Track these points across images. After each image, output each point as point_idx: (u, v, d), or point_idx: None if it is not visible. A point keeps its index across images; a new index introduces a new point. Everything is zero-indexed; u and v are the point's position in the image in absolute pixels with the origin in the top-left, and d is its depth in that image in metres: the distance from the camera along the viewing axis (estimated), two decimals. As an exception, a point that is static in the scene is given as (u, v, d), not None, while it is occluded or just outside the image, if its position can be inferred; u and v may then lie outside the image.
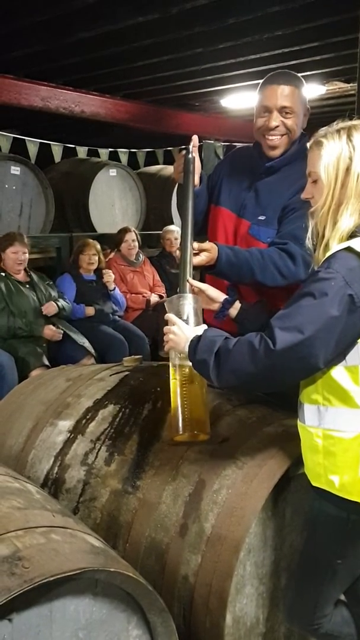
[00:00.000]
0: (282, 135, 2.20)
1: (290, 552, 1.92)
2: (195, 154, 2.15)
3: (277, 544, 1.88)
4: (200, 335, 1.61)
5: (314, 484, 1.57)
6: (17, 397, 2.39)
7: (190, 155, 2.12)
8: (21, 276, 4.52)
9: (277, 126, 2.18)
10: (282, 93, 2.15)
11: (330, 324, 1.42)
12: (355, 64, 5.31)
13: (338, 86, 6.34)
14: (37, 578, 1.14)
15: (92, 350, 4.57)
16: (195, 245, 2.01)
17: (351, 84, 6.23)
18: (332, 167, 1.51)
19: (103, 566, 1.26)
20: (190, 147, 2.14)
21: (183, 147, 2.18)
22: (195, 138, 2.18)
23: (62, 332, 4.52)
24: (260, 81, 2.25)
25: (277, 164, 2.24)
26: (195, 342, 1.60)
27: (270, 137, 2.20)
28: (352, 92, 6.44)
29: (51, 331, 4.45)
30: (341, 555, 1.60)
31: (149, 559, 1.80)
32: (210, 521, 1.73)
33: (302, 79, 2.24)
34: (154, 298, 5.65)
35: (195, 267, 1.97)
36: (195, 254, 2.00)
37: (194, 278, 1.93)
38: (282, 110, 2.16)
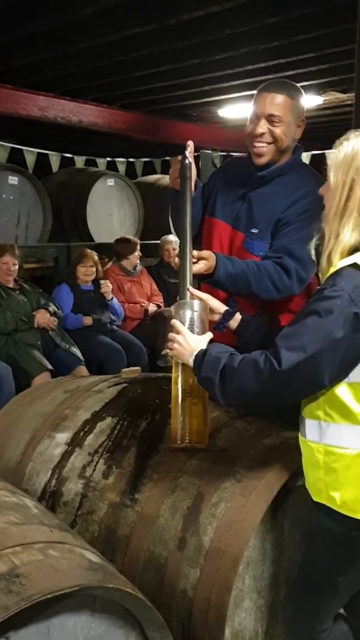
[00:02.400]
0: (268, 143, 2.18)
1: (289, 564, 1.90)
2: (192, 160, 2.13)
3: (276, 556, 1.86)
4: (205, 351, 1.60)
5: (315, 499, 1.56)
6: (15, 409, 2.38)
7: (186, 161, 2.10)
8: (11, 284, 4.57)
9: (264, 133, 2.16)
10: (272, 101, 2.13)
11: (335, 342, 1.41)
12: (351, 75, 5.37)
13: (335, 96, 6.38)
14: (35, 595, 1.13)
15: (82, 357, 4.58)
16: (195, 253, 2.00)
17: (347, 95, 6.27)
18: (341, 173, 1.50)
19: (101, 582, 1.25)
20: (187, 153, 2.11)
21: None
22: (191, 143, 2.15)
23: (56, 320, 4.55)
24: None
25: (270, 174, 2.22)
26: (200, 357, 1.60)
27: (257, 145, 2.18)
28: (349, 102, 6.49)
29: (45, 318, 4.46)
30: (342, 571, 1.58)
31: (147, 573, 1.78)
32: (209, 535, 1.72)
33: (300, 89, 2.22)
34: (152, 308, 5.65)
35: (193, 276, 1.96)
36: (194, 263, 1.99)
37: (193, 287, 1.92)
38: (270, 118, 2.14)
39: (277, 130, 2.15)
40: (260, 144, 2.18)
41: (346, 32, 4.20)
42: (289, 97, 2.15)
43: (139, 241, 5.85)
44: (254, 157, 2.22)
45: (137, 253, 5.73)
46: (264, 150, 2.19)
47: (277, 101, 2.13)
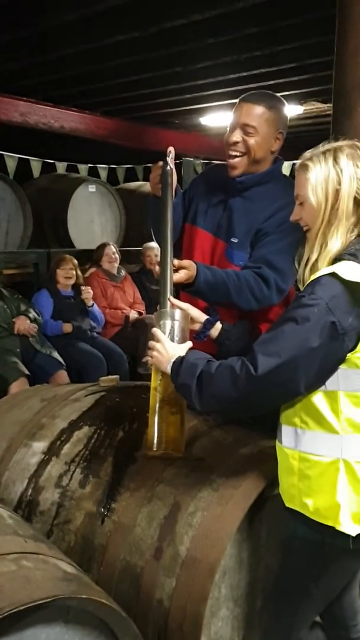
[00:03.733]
0: (241, 153, 2.17)
1: (266, 573, 1.91)
2: (172, 166, 2.11)
3: (253, 565, 1.87)
4: (183, 357, 1.61)
5: (288, 505, 1.57)
6: (-9, 417, 2.36)
7: (167, 168, 2.09)
8: None
9: (237, 142, 2.15)
10: (249, 111, 2.13)
11: (311, 351, 1.43)
12: (331, 85, 5.44)
13: (315, 106, 6.45)
14: (7, 607, 1.11)
15: (62, 360, 4.56)
16: (175, 262, 2.00)
17: (328, 105, 6.34)
18: (320, 190, 1.52)
19: (75, 593, 1.24)
20: (168, 159, 2.10)
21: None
22: (172, 149, 2.14)
23: (36, 326, 4.52)
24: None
25: (248, 181, 2.22)
26: (178, 364, 1.60)
27: (230, 153, 2.18)
28: (329, 112, 6.55)
29: (25, 324, 4.43)
30: (316, 579, 1.59)
31: (123, 583, 1.77)
32: (185, 544, 1.72)
33: (281, 102, 2.21)
34: (133, 315, 5.64)
35: (173, 285, 1.95)
36: (174, 271, 1.99)
37: (173, 296, 1.92)
38: (245, 128, 2.13)
39: (251, 141, 2.15)
40: (233, 153, 2.18)
41: (326, 43, 4.22)
42: (267, 108, 2.15)
43: (111, 244, 5.84)
44: (228, 169, 2.23)
45: (115, 255, 5.72)
46: (236, 161, 2.19)
47: (253, 111, 2.13)
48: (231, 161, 2.19)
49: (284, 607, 1.69)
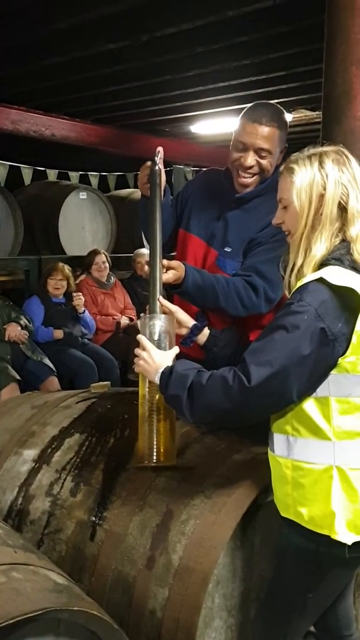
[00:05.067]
0: (254, 174, 2.17)
1: (260, 582, 1.89)
2: (161, 166, 2.10)
3: (246, 574, 1.85)
4: (172, 368, 1.58)
5: (283, 514, 1.55)
6: (-19, 425, 2.33)
7: (156, 168, 2.07)
8: None
9: (252, 166, 2.15)
10: (262, 134, 2.10)
11: (302, 358, 1.41)
12: (320, 93, 5.48)
13: (304, 114, 6.49)
14: (-3, 620, 1.09)
15: (53, 367, 4.55)
16: (165, 262, 1.98)
17: (317, 112, 6.39)
18: (304, 194, 1.51)
19: (66, 605, 1.21)
20: (156, 159, 2.08)
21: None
22: (160, 149, 2.12)
23: (27, 333, 4.49)
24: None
25: (248, 196, 2.22)
26: (167, 375, 1.57)
27: (243, 175, 2.17)
28: (318, 119, 6.61)
29: (16, 331, 4.41)
30: (311, 588, 1.57)
31: (115, 593, 1.75)
32: (178, 553, 1.69)
33: (285, 114, 2.20)
34: (124, 321, 5.62)
35: (163, 285, 1.93)
36: (163, 272, 1.97)
37: (163, 297, 1.90)
38: (260, 152, 2.12)
39: (265, 162, 2.15)
40: (247, 176, 2.17)
41: (315, 51, 4.26)
42: (278, 129, 2.13)
43: (102, 252, 5.83)
44: (237, 186, 2.22)
45: (105, 264, 5.71)
46: (249, 181, 2.19)
47: (268, 135, 2.10)
48: (244, 181, 2.19)
49: (278, 617, 1.67)
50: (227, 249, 2.23)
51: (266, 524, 1.85)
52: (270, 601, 1.72)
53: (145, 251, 6.29)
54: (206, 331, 1.97)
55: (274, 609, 1.68)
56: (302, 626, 1.70)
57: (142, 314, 1.90)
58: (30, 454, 2.07)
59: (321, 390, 1.47)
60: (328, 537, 1.46)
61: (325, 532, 1.46)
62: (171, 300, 1.99)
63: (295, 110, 6.32)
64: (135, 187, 8.06)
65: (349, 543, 1.46)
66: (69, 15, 3.88)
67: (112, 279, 5.82)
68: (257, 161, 2.15)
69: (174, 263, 2.04)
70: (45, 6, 3.83)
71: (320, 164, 1.51)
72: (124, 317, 5.67)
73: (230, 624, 1.83)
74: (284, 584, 1.64)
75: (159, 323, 1.77)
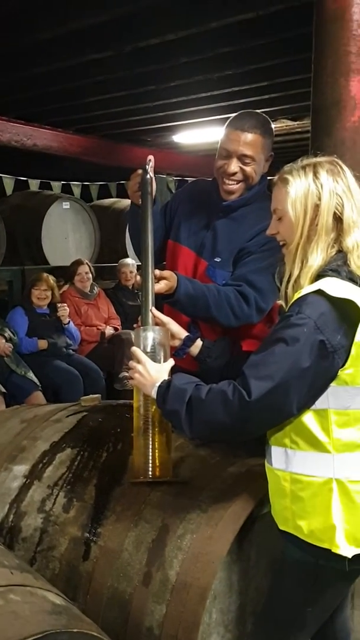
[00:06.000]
0: (239, 181, 2.18)
1: (256, 595, 1.87)
2: (152, 175, 2.09)
3: (243, 588, 1.83)
4: (169, 382, 1.56)
5: (281, 527, 1.54)
6: (-31, 440, 2.28)
7: (147, 176, 2.06)
8: None
9: (236, 172, 2.15)
10: (245, 140, 2.11)
11: (302, 371, 1.40)
12: (301, 103, 5.53)
13: (285, 124, 6.55)
14: (-4, 645, 1.06)
15: (37, 381, 4.50)
16: (157, 272, 1.97)
17: (297, 122, 6.45)
18: (299, 204, 1.50)
19: (66, 627, 1.18)
20: (148, 167, 2.07)
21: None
22: (151, 157, 2.11)
23: (11, 346, 4.45)
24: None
25: (235, 204, 2.22)
26: (164, 389, 1.55)
27: (227, 182, 2.18)
28: (299, 129, 6.68)
29: (0, 344, 4.36)
30: (310, 603, 1.55)
31: (111, 611, 1.72)
32: (174, 568, 1.67)
33: (270, 122, 2.21)
34: (109, 331, 5.59)
35: (155, 295, 1.92)
36: (155, 282, 1.95)
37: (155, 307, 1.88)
38: (243, 158, 2.13)
39: (249, 169, 2.15)
40: (231, 183, 2.18)
41: (297, 62, 4.33)
42: (262, 135, 2.14)
43: (85, 262, 5.80)
44: (222, 193, 2.22)
45: (88, 275, 5.68)
46: (234, 188, 2.19)
47: (251, 141, 2.11)
48: (229, 187, 2.19)
49: (276, 631, 1.65)
50: (217, 259, 2.23)
51: (262, 537, 1.83)
52: (268, 615, 1.70)
53: (130, 261, 6.27)
54: (199, 342, 1.95)
55: (272, 623, 1.66)
56: (300, 639, 1.68)
57: (135, 325, 1.88)
58: (21, 469, 2.03)
59: (320, 403, 1.46)
60: (328, 550, 1.45)
61: (325, 545, 1.45)
62: (160, 310, 1.97)
63: (276, 120, 6.37)
64: (118, 196, 8.09)
65: (349, 556, 1.45)
66: (52, 25, 3.86)
67: (96, 289, 5.79)
68: (241, 168, 2.15)
69: (166, 273, 2.02)
70: (28, 16, 3.81)
71: (315, 174, 1.51)
72: (108, 327, 5.64)
73: (228, 639, 1.80)
74: (282, 598, 1.62)
75: (153, 335, 1.75)
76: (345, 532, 1.44)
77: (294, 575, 1.57)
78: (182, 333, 1.93)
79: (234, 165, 2.14)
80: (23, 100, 5.57)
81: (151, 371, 1.62)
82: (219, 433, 1.53)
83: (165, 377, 1.62)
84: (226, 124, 2.19)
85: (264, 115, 2.23)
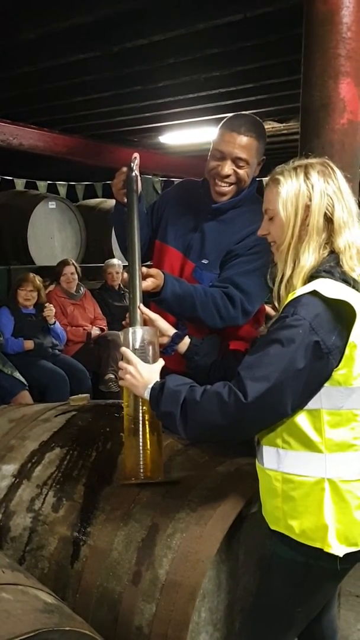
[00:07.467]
0: (231, 184, 2.17)
1: (244, 594, 1.88)
2: (137, 172, 2.06)
3: (231, 587, 1.84)
4: (163, 384, 1.56)
5: (272, 527, 1.54)
6: None
7: (133, 174, 2.03)
8: None
9: (229, 175, 2.15)
10: (240, 143, 2.10)
11: (297, 372, 1.41)
12: (287, 105, 5.57)
13: (271, 126, 6.58)
14: (-12, 644, 1.06)
15: (25, 381, 4.47)
16: (144, 270, 1.95)
17: (284, 124, 6.49)
18: (290, 205, 1.51)
19: (58, 625, 1.18)
20: (133, 165, 2.05)
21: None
22: (137, 155, 2.09)
23: None
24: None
25: (224, 206, 2.22)
26: (158, 391, 1.55)
27: (220, 184, 2.17)
28: (285, 131, 6.72)
29: None
30: (300, 602, 1.56)
31: (100, 610, 1.72)
32: (164, 567, 1.67)
33: (264, 128, 2.21)
34: (95, 331, 5.58)
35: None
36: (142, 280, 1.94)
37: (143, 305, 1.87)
38: (237, 161, 2.13)
39: (242, 172, 2.15)
40: (223, 185, 2.17)
41: (284, 64, 4.36)
42: (257, 139, 2.14)
43: (71, 262, 5.77)
44: (214, 195, 2.21)
45: (73, 275, 5.66)
46: (226, 190, 2.19)
47: (246, 144, 2.11)
48: (221, 189, 2.18)
49: (264, 630, 1.65)
50: (204, 261, 2.23)
51: (250, 536, 1.84)
52: (256, 614, 1.70)
53: (116, 261, 6.26)
54: (187, 340, 1.95)
55: (259, 622, 1.67)
56: (288, 638, 1.69)
57: (123, 323, 1.87)
58: (10, 469, 2.02)
59: (313, 403, 1.46)
60: (320, 550, 1.46)
61: (317, 545, 1.46)
62: (149, 308, 1.96)
63: (263, 121, 6.39)
64: (104, 197, 8.08)
65: (341, 555, 1.46)
66: (39, 25, 3.85)
67: (82, 290, 5.77)
68: (234, 170, 2.15)
69: (153, 271, 2.01)
70: (14, 15, 3.80)
71: (306, 175, 1.52)
72: (94, 327, 5.63)
73: (216, 638, 1.81)
74: (271, 597, 1.63)
75: (142, 334, 1.74)
76: (337, 531, 1.45)
77: (283, 574, 1.57)
78: (170, 330, 1.92)
79: (228, 168, 2.14)
80: (9, 99, 5.55)
81: (143, 372, 1.61)
82: (214, 434, 1.52)
83: (157, 378, 1.61)
84: (220, 124, 2.18)
85: (258, 118, 2.23)
